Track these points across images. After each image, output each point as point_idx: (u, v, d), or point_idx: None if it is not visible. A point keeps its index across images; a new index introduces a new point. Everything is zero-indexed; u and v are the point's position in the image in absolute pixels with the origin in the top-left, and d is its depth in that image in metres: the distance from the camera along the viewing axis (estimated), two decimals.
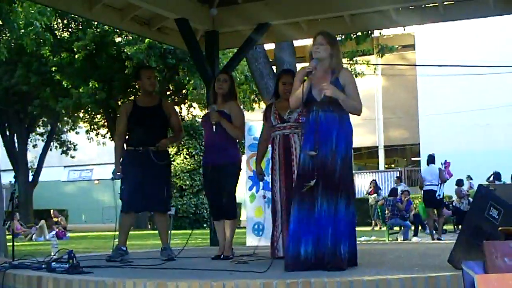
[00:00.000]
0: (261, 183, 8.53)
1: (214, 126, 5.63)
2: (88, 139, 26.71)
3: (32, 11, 16.98)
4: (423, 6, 8.15)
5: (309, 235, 4.29)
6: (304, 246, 4.28)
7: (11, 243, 5.67)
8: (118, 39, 21.05)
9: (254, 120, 11.38)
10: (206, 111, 5.89)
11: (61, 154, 29.08)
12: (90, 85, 21.04)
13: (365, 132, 30.32)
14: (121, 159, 6.02)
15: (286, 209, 5.47)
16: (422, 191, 13.49)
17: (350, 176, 4.54)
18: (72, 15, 18.56)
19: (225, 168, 5.67)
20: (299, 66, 10.88)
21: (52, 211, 21.11)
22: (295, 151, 5.44)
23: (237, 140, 5.92)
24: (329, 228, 4.28)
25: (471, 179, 19.27)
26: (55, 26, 21.63)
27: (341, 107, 4.43)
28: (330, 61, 4.49)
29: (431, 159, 13.33)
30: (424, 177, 13.12)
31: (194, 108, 24.70)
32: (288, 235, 4.52)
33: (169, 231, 6.38)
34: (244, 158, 10.38)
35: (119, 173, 5.81)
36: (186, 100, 23.79)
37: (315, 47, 4.47)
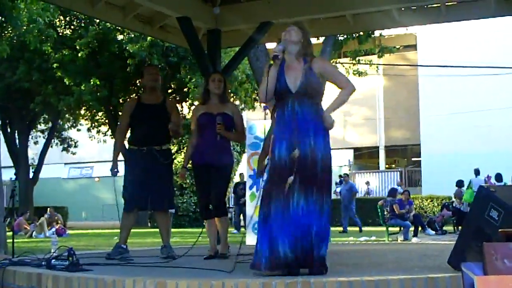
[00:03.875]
0: (261, 182, 8.48)
1: (218, 136, 5.65)
2: (90, 136, 26.71)
3: (35, 8, 16.98)
4: (425, 6, 8.13)
5: (286, 235, 4.01)
6: (282, 246, 4.00)
7: (11, 240, 5.67)
8: (120, 37, 21.03)
9: (255, 119, 11.35)
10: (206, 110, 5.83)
11: (62, 151, 29.09)
12: (92, 83, 21.04)
13: (366, 132, 30.32)
14: (125, 157, 6.02)
15: None
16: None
17: (330, 173, 4.23)
18: (75, 12, 18.54)
19: (223, 169, 5.73)
20: None
21: (49, 209, 20.97)
22: None
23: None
24: (309, 227, 4.04)
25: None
26: (58, 23, 21.62)
27: (317, 97, 4.21)
28: (300, 47, 4.24)
29: (477, 172, 16.97)
30: (474, 185, 15.93)
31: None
32: (262, 236, 4.11)
33: (169, 229, 6.38)
34: (244, 156, 10.38)
35: (116, 170, 5.82)
36: (187, 99, 23.77)
37: (285, 31, 4.27)
